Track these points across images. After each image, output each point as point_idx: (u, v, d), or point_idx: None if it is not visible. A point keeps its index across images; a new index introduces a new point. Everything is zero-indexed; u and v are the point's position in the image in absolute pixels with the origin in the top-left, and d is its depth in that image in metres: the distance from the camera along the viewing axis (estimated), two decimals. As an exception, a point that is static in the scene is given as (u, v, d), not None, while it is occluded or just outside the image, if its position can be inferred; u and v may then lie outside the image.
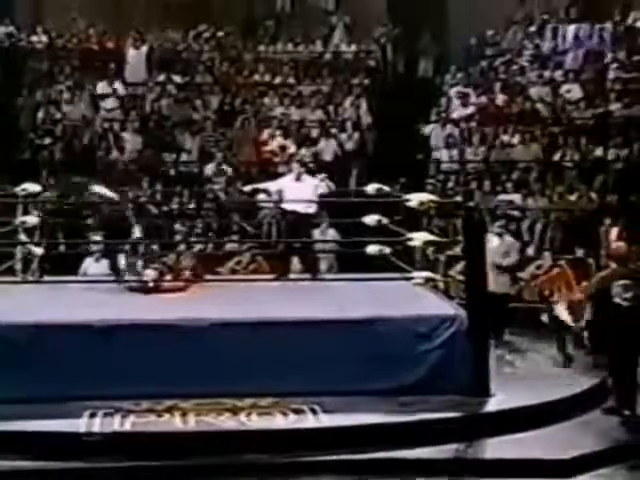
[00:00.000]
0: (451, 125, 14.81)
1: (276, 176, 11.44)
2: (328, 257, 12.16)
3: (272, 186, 10.37)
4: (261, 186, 10.61)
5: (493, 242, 10.18)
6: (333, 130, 15.11)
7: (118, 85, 15.37)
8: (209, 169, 14.14)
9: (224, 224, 13.00)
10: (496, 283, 9.70)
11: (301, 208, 9.87)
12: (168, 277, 9.25)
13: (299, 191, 9.96)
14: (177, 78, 15.79)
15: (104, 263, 11.03)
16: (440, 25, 16.66)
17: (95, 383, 7.40)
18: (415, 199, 8.96)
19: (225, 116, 15.28)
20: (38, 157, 14.42)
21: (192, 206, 13.42)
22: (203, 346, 7.58)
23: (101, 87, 15.33)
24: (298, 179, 10.12)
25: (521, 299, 11.48)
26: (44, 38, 16.26)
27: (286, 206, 10.01)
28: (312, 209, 10.07)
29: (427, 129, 14.91)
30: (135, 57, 15.78)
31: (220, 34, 16.45)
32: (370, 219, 10.15)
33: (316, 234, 11.56)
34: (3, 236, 9.39)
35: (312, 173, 10.69)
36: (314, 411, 7.22)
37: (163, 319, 7.77)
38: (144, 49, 15.84)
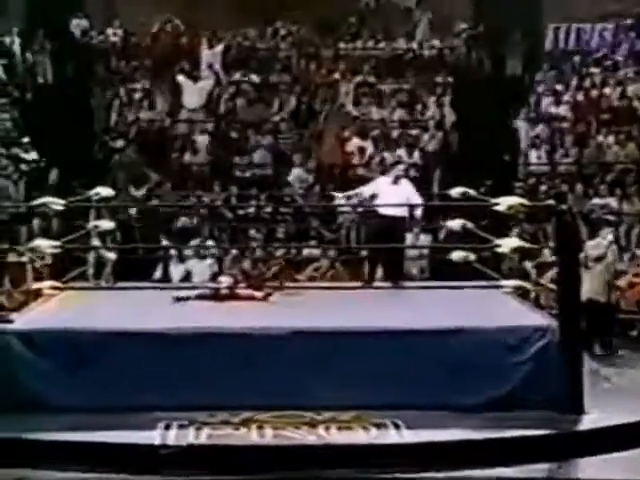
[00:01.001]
0: (541, 124, 14.65)
1: (360, 179, 11.44)
2: (420, 263, 12.17)
3: (366, 190, 10.27)
4: (356, 191, 10.51)
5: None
6: (415, 130, 15.06)
7: (203, 83, 15.52)
8: (293, 174, 14.13)
9: (302, 229, 13.07)
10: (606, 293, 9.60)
11: (396, 212, 9.83)
12: (243, 284, 9.32)
13: (395, 195, 9.92)
14: (252, 77, 15.90)
15: (180, 269, 11.19)
16: (531, 20, 16.47)
17: (169, 393, 7.47)
18: (504, 203, 8.87)
19: (302, 116, 15.34)
20: (111, 160, 14.61)
21: (269, 210, 13.51)
22: (280, 356, 7.60)
23: (185, 83, 15.47)
24: (395, 182, 10.08)
25: (618, 309, 11.30)
26: (119, 32, 16.46)
27: (381, 210, 9.94)
28: (407, 213, 10.04)
29: (518, 122, 14.76)
30: (209, 57, 15.92)
31: (294, 28, 16.52)
32: (455, 224, 10.09)
33: (408, 238, 11.54)
34: (76, 241, 9.57)
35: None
36: (397, 426, 7.18)
37: (239, 327, 7.80)
38: (218, 48, 15.98)
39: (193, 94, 15.35)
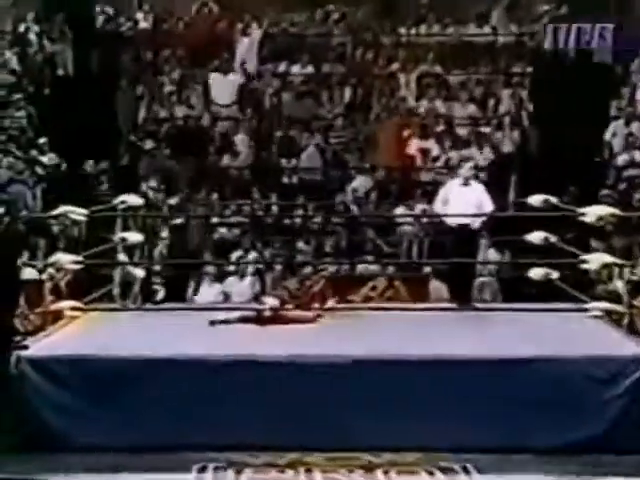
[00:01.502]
0: (636, 122, 14.56)
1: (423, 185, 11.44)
2: (491, 283, 12.10)
3: (439, 203, 10.26)
4: (437, 208, 10.46)
5: None
6: (488, 128, 15.03)
7: (233, 77, 15.60)
8: (357, 183, 14.15)
9: (356, 242, 13.10)
10: None
11: (467, 221, 9.83)
12: (290, 305, 9.34)
13: (465, 199, 9.92)
14: (301, 68, 15.94)
15: (216, 287, 11.21)
16: (623, 3, 16.35)
17: (204, 430, 7.50)
18: (592, 213, 8.83)
19: (357, 113, 15.37)
20: (139, 163, 14.69)
21: (318, 220, 13.54)
22: (334, 388, 7.60)
23: (214, 79, 15.56)
24: (466, 184, 10.04)
25: None
26: (149, 18, 16.56)
27: (450, 220, 9.90)
28: (478, 223, 10.01)
29: (607, 134, 14.67)
30: (245, 45, 15.98)
31: (349, 11, 16.53)
32: (535, 237, 10.04)
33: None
34: (100, 255, 9.64)
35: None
36: (466, 470, 7.16)
37: (287, 355, 7.81)
38: (255, 35, 16.04)
39: (223, 87, 15.42)
